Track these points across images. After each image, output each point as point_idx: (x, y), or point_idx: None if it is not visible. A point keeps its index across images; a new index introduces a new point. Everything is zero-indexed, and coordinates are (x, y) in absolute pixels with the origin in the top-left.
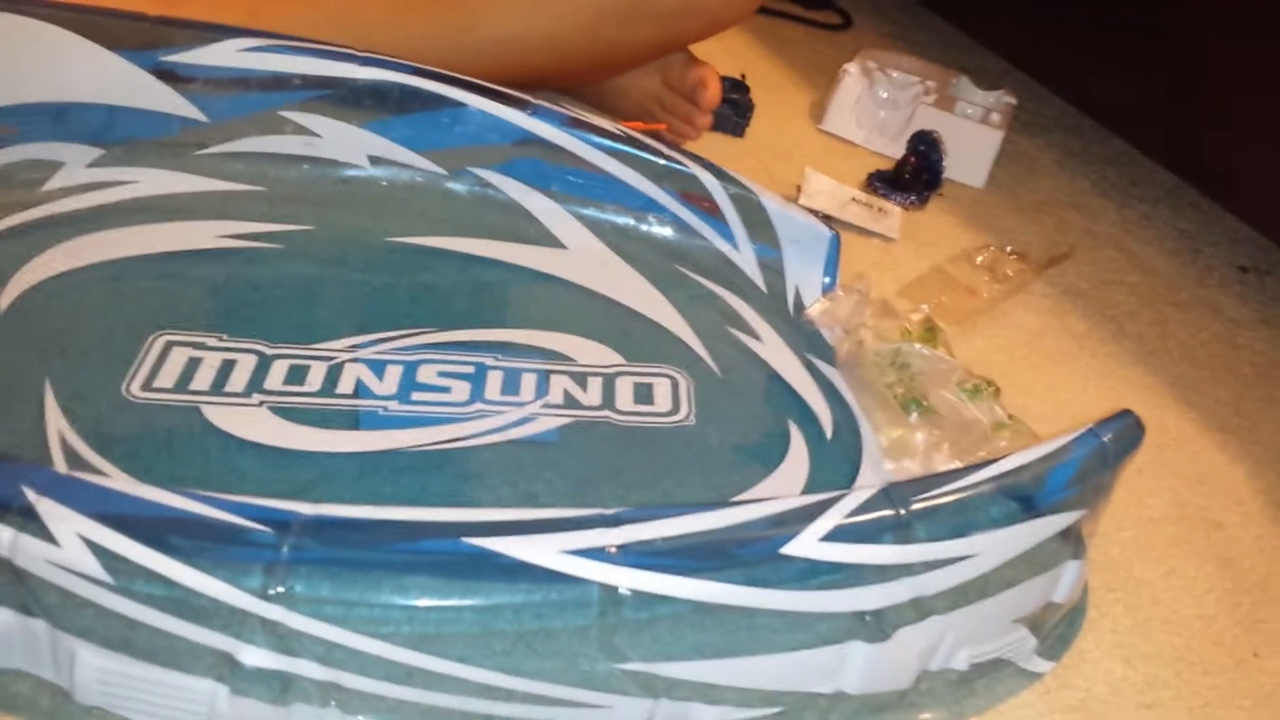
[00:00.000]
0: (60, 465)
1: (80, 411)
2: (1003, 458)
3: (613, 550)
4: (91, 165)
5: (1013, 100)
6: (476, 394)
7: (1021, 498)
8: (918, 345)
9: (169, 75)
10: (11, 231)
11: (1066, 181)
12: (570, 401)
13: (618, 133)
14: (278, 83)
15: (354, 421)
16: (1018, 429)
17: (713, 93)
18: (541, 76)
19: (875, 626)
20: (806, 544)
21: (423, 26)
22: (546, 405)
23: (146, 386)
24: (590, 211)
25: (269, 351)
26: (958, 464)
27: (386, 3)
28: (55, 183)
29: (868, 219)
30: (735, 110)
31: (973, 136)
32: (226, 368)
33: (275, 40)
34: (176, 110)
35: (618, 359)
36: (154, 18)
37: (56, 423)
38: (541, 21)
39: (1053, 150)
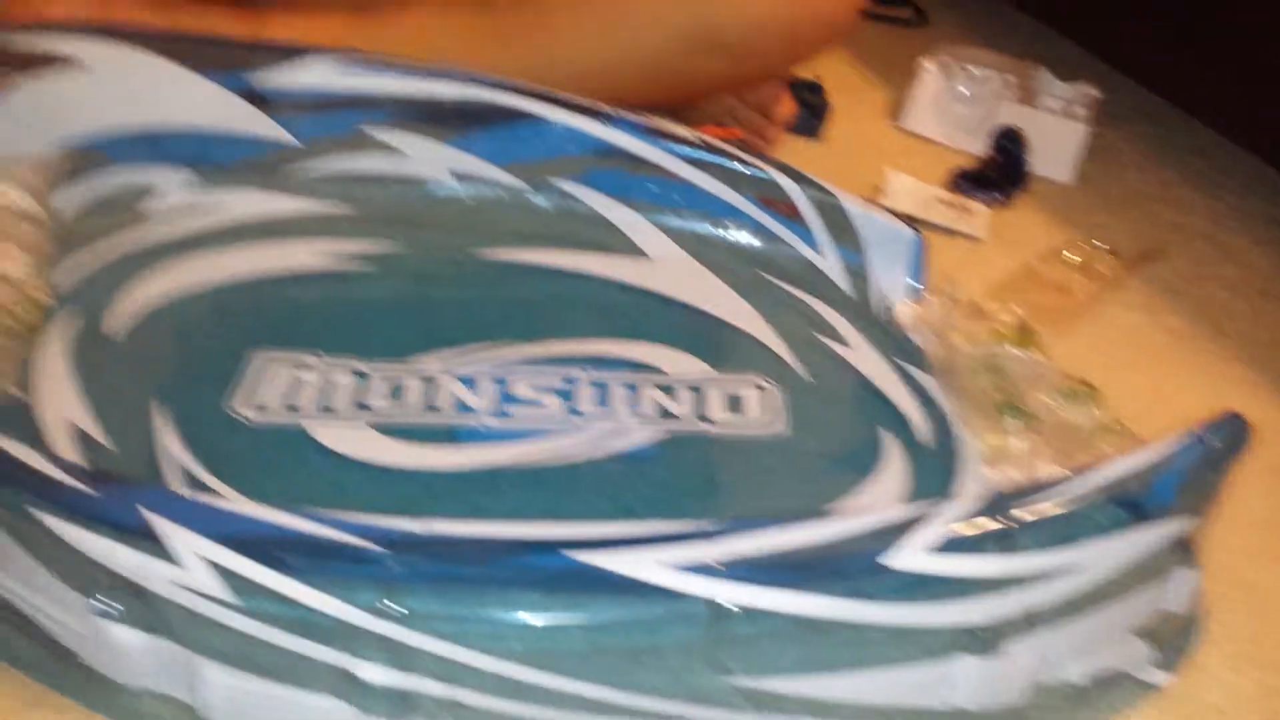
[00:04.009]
0: (175, 486)
1: (189, 432)
2: (1107, 463)
3: (717, 565)
4: (185, 189)
5: (1095, 92)
6: (569, 407)
7: (1129, 504)
8: (1011, 348)
9: (257, 98)
10: (110, 257)
11: (1154, 173)
12: (661, 413)
13: (695, 140)
14: (363, 102)
15: (452, 436)
16: (1119, 432)
17: (785, 109)
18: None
19: (983, 640)
20: (910, 556)
21: (489, 59)
22: (638, 417)
23: (252, 406)
24: (671, 220)
25: (367, 369)
26: (1059, 470)
27: (456, 32)
28: (150, 207)
29: (953, 219)
30: (810, 112)
31: (1057, 130)
32: (328, 386)
33: (359, 60)
34: (265, 133)
35: (706, 368)
36: (241, 41)
37: (167, 443)
38: (601, 52)
39: (1138, 141)
